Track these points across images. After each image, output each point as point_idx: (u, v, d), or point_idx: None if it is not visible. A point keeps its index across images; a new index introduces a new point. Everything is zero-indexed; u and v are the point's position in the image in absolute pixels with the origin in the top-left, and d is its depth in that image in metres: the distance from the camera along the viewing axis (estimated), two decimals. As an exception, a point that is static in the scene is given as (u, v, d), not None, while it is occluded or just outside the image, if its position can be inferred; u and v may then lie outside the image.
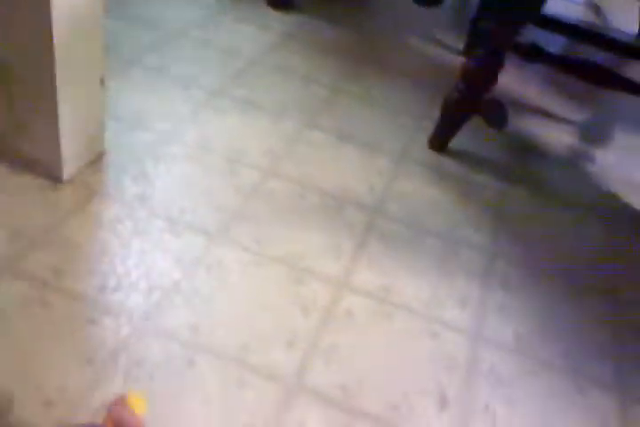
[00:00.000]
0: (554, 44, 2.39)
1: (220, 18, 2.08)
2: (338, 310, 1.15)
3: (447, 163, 1.64)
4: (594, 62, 1.63)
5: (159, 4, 2.07)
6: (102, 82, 1.30)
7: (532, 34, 2.24)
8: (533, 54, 1.65)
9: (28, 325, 1.01)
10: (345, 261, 1.26)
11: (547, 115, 1.98)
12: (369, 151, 1.61)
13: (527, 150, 1.80)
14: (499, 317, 1.20)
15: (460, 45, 2.25)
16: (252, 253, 1.23)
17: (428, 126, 1.73)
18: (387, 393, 1.02)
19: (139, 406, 0.81)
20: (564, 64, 1.64)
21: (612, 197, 1.67)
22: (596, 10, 2.93)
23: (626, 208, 1.64)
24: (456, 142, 1.69)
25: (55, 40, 1.11)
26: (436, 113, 1.69)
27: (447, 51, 2.23)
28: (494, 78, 1.60)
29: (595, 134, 1.91)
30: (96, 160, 1.37)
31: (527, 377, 1.09)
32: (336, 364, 1.05)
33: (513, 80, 2.11)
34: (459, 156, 1.67)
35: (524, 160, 1.75)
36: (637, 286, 1.39)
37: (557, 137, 1.88)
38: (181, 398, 0.96)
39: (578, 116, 2.02)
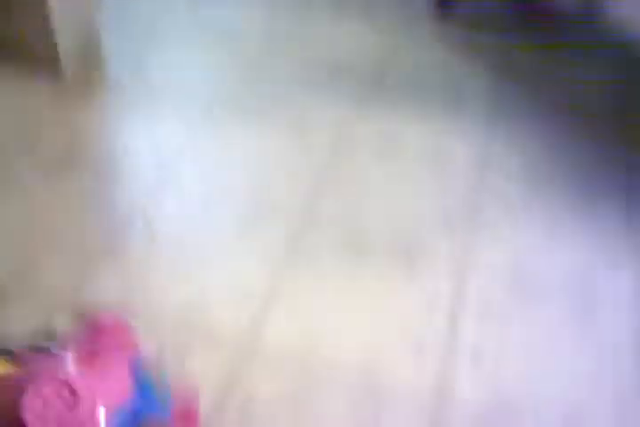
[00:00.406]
0: None
1: None
2: (342, 150, 1.17)
3: (450, 28, 1.60)
4: None
5: None
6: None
7: None
8: None
9: (51, 196, 1.07)
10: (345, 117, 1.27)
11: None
12: (366, 22, 1.58)
13: (535, 7, 1.74)
14: (504, 148, 1.20)
15: None
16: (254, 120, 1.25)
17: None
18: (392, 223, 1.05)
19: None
20: None
21: (626, 49, 1.62)
22: None
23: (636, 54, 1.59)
24: (461, 8, 1.64)
25: None
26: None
27: None
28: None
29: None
30: (94, 54, 1.39)
31: (534, 196, 1.10)
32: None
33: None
34: (462, 19, 1.63)
35: (532, 15, 1.70)
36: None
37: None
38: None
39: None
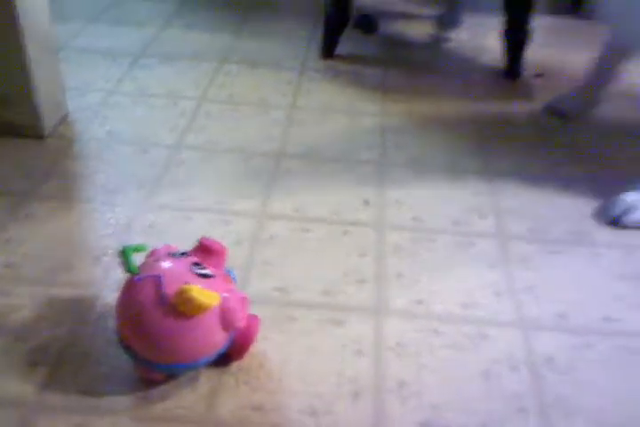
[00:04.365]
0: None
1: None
2: (263, 235, 1.39)
3: (338, 65, 2.07)
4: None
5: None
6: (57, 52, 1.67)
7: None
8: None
9: (55, 226, 1.38)
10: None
11: (409, 16, 2.43)
12: (276, 70, 2.02)
13: (398, 44, 2.24)
14: (396, 209, 1.49)
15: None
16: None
17: (317, 43, 2.15)
18: (317, 283, 1.26)
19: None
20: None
21: (469, 62, 2.15)
22: None
23: (480, 67, 2.12)
24: (343, 49, 2.11)
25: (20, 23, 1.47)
26: (320, 33, 2.11)
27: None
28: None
29: (449, 22, 2.36)
30: (65, 118, 1.73)
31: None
32: (270, 274, 1.28)
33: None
34: (346, 58, 2.11)
35: (397, 51, 2.20)
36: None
37: (420, 30, 2.33)
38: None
39: (434, 11, 2.46)
